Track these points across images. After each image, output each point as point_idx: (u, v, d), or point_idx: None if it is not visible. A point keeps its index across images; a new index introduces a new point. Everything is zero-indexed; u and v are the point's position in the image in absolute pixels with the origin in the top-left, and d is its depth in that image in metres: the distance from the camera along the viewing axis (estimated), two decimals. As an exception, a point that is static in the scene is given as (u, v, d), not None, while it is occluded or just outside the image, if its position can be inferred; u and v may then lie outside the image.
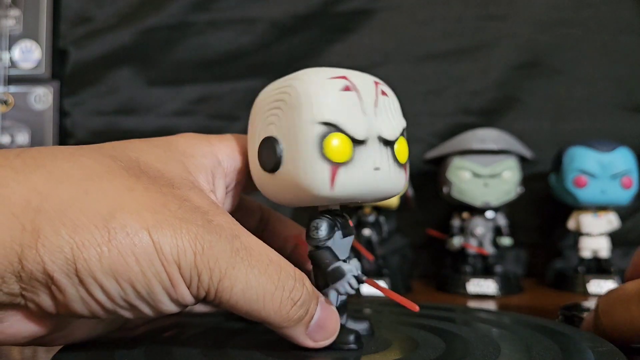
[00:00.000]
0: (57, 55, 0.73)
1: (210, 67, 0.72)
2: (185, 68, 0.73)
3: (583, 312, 0.36)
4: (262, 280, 0.23)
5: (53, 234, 0.21)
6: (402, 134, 0.27)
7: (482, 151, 0.59)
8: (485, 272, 0.61)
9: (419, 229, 0.69)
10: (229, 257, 0.23)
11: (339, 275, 0.26)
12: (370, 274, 0.58)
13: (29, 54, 0.71)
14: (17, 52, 0.71)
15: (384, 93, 0.26)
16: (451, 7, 0.71)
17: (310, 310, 0.25)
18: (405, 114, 0.79)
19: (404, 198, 0.61)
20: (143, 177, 0.24)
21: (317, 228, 0.27)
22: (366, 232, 0.61)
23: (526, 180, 0.63)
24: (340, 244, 0.27)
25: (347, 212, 0.28)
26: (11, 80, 0.71)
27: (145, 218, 0.22)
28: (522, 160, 0.62)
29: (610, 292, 0.30)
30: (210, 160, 0.28)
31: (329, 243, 0.27)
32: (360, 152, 0.25)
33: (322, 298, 0.26)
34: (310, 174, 0.25)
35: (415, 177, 0.66)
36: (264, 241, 0.25)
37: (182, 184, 0.25)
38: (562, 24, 0.69)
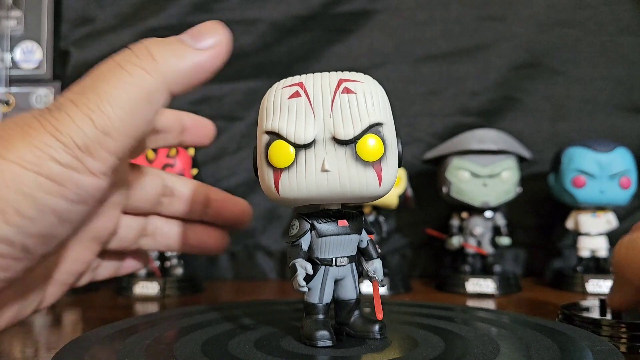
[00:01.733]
0: (59, 56, 0.73)
1: (211, 68, 0.72)
2: (185, 68, 0.73)
3: (582, 312, 0.36)
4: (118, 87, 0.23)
5: None
6: (370, 131, 0.26)
7: (481, 151, 0.59)
8: (484, 271, 0.61)
9: (419, 229, 0.69)
10: (84, 120, 0.22)
11: (291, 272, 0.27)
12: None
13: (30, 55, 0.72)
14: (18, 53, 0.72)
15: (348, 91, 0.26)
16: (450, 8, 0.71)
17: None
18: (405, 114, 0.80)
19: (403, 198, 0.61)
20: None
21: (291, 227, 0.29)
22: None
23: (525, 180, 0.63)
24: (325, 243, 0.28)
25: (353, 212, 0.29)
26: (12, 81, 0.71)
27: None
28: (521, 160, 0.62)
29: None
30: None
31: (302, 241, 0.28)
32: (305, 156, 0.26)
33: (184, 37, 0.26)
34: (264, 180, 0.27)
35: (415, 177, 0.66)
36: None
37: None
38: (560, 24, 0.69)
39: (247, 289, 0.62)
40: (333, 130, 0.25)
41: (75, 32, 0.73)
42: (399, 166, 0.28)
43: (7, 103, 0.70)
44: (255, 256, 0.71)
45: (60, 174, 0.22)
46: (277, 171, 0.26)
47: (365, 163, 0.25)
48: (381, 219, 0.63)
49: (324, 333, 0.27)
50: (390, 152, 0.26)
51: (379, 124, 0.26)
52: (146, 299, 0.56)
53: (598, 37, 0.69)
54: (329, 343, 0.27)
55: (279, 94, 0.27)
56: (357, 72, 0.28)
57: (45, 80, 0.71)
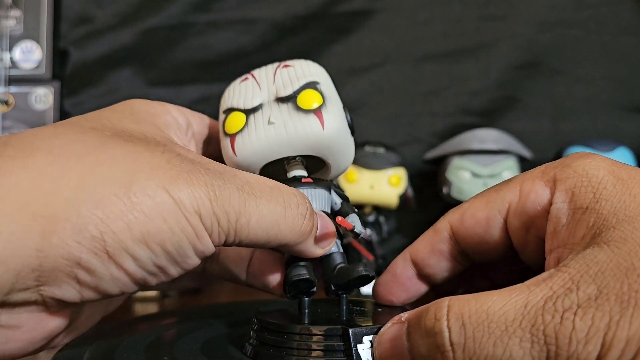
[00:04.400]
0: (58, 56, 0.73)
1: (211, 68, 0.72)
2: (185, 68, 0.73)
3: None
4: (272, 206, 0.24)
5: (74, 214, 0.20)
6: (307, 87, 0.28)
7: (482, 151, 0.59)
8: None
9: (419, 229, 0.68)
10: (239, 196, 0.23)
11: None
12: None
13: (30, 54, 0.71)
14: (17, 53, 0.71)
15: (286, 66, 0.30)
16: (451, 8, 0.71)
17: (315, 220, 0.26)
18: (405, 114, 0.79)
19: (404, 198, 0.61)
20: (134, 139, 0.24)
21: None
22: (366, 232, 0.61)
23: (526, 180, 0.63)
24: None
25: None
26: (12, 81, 0.71)
27: (160, 177, 0.22)
28: (522, 160, 0.62)
29: None
30: (171, 117, 0.29)
31: None
32: (254, 117, 0.28)
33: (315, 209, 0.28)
34: (224, 152, 0.29)
35: (415, 177, 0.66)
36: None
37: (165, 141, 0.25)
38: (562, 24, 0.69)
39: (247, 290, 0.62)
40: (276, 93, 0.29)
41: (75, 31, 0.73)
42: (352, 133, 0.29)
43: (6, 103, 0.70)
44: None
45: (200, 230, 0.23)
46: (232, 136, 0.28)
47: (307, 111, 0.27)
48: (382, 219, 0.63)
49: (301, 270, 0.27)
50: (331, 105, 0.28)
51: (315, 82, 0.29)
52: (146, 299, 0.55)
53: (599, 36, 0.69)
54: (305, 275, 0.27)
55: (233, 84, 0.31)
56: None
57: (44, 80, 0.71)
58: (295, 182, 0.29)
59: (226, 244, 0.24)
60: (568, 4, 0.69)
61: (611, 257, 0.19)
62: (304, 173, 0.29)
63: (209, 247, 0.23)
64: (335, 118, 0.28)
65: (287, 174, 0.30)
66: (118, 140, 0.23)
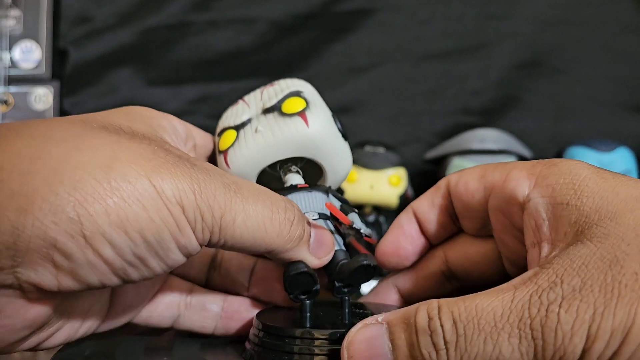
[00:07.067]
0: (57, 55, 0.73)
1: (210, 67, 0.72)
2: (185, 68, 0.72)
3: None
4: (259, 208, 0.24)
5: (51, 194, 0.20)
6: (290, 96, 0.30)
7: (482, 151, 0.59)
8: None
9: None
10: (225, 193, 0.23)
11: None
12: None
13: (29, 54, 0.71)
14: (17, 52, 0.71)
15: (272, 85, 0.32)
16: (451, 7, 0.71)
17: (306, 228, 0.26)
18: (405, 114, 0.79)
19: (404, 198, 0.61)
20: (120, 132, 0.24)
21: None
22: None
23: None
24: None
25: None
26: (11, 80, 0.71)
27: (142, 165, 0.22)
28: (522, 160, 0.62)
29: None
30: (168, 122, 0.29)
31: None
32: (244, 131, 0.29)
33: (310, 219, 0.28)
34: (220, 168, 0.29)
35: (415, 177, 0.65)
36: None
37: (156, 139, 0.25)
38: (563, 23, 0.69)
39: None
40: (262, 106, 0.30)
41: (74, 31, 0.73)
42: (345, 139, 0.30)
43: (5, 103, 0.70)
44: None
45: (182, 222, 0.22)
46: (225, 152, 0.29)
47: (291, 114, 0.28)
48: (381, 219, 0.63)
49: (300, 264, 0.27)
50: (316, 108, 0.29)
51: (299, 91, 0.30)
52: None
53: (600, 35, 0.69)
54: (304, 269, 0.27)
55: (225, 112, 0.32)
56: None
57: (44, 80, 0.71)
58: (291, 189, 0.29)
59: (211, 243, 0.24)
60: (569, 3, 0.69)
61: (594, 251, 0.20)
62: (300, 181, 0.30)
63: (192, 243, 0.23)
64: (320, 118, 0.29)
65: (284, 183, 0.30)
66: (102, 130, 0.23)
